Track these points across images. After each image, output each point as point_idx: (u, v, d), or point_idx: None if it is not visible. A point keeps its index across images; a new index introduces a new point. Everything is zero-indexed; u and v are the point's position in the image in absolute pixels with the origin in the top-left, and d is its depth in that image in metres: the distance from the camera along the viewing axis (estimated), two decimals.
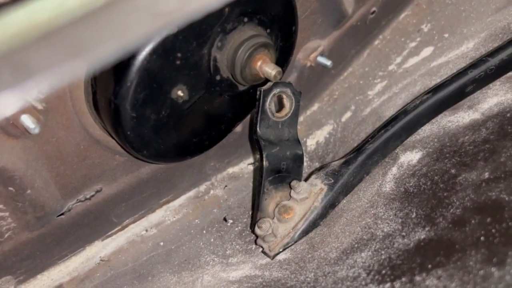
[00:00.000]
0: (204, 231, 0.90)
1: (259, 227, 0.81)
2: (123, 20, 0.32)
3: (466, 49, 0.96)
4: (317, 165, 0.97)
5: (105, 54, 0.32)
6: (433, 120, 0.87)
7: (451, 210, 0.72)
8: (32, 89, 0.34)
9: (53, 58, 0.31)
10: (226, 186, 0.96)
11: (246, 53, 0.75)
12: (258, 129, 0.81)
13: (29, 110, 0.68)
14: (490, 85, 0.88)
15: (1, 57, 0.31)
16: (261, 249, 0.83)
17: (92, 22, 0.32)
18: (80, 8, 0.32)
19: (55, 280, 0.84)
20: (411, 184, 0.79)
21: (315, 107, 1.03)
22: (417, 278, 0.66)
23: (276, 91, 0.80)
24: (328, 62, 0.96)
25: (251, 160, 0.99)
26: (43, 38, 0.31)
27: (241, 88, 0.81)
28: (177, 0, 0.32)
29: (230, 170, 0.97)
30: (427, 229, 0.72)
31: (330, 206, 0.82)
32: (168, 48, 0.69)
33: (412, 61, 1.01)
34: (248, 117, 0.90)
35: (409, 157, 0.84)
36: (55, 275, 0.84)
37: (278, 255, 0.81)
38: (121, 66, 0.68)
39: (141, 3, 0.32)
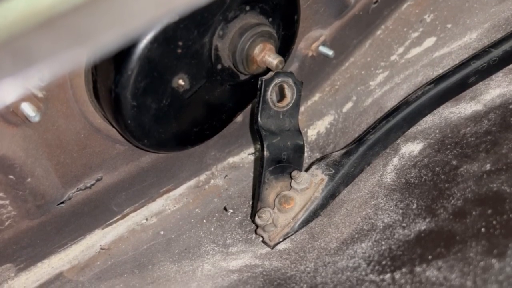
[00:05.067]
0: (204, 221, 0.90)
1: (259, 217, 0.81)
2: (126, 7, 0.31)
3: (469, 40, 0.95)
4: (318, 155, 0.97)
5: (107, 42, 0.32)
6: (435, 111, 0.87)
7: (452, 201, 0.72)
8: (33, 77, 0.34)
9: (54, 45, 0.30)
10: (226, 175, 0.96)
11: (248, 42, 0.75)
12: (259, 119, 0.80)
13: (29, 98, 0.68)
14: (493, 76, 0.87)
15: (2, 44, 0.30)
16: (261, 238, 0.83)
17: (94, 9, 0.31)
18: None
19: (55, 268, 0.84)
20: (412, 175, 0.79)
21: (316, 97, 1.03)
22: (418, 269, 0.66)
23: (277, 80, 0.80)
24: (330, 52, 0.95)
25: (251, 150, 0.99)
26: (44, 25, 0.30)
27: (242, 77, 0.80)
28: None
29: (231, 160, 0.97)
30: (427, 220, 0.72)
31: (330, 196, 0.82)
32: (169, 36, 0.69)
33: (415, 51, 1.00)
34: (249, 107, 0.90)
35: (411, 148, 0.84)
36: (56, 263, 0.84)
37: (278, 245, 0.81)
38: (122, 54, 0.68)
39: None
